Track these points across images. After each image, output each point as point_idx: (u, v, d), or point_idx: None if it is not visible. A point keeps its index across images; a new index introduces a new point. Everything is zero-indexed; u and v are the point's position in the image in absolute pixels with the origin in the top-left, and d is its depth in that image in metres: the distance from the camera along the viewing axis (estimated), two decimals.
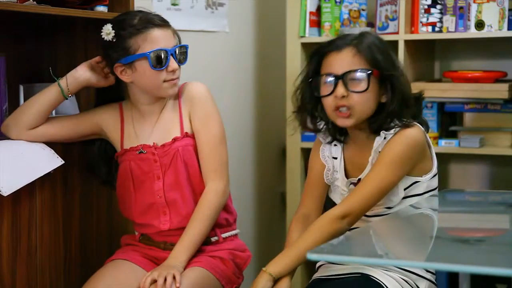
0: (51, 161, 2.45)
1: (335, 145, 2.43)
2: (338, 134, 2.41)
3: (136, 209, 2.51)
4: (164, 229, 2.49)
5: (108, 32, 2.42)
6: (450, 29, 3.25)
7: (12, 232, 2.39)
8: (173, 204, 2.48)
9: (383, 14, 3.38)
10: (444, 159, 3.54)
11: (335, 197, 2.44)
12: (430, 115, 3.32)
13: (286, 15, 3.49)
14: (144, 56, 2.39)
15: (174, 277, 2.32)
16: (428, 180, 2.35)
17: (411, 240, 2.05)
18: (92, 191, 2.64)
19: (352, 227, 2.33)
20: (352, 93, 2.26)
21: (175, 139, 2.48)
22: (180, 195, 2.47)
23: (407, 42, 3.28)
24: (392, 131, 2.31)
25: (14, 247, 2.39)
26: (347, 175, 2.41)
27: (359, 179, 2.36)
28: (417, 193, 2.34)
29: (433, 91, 3.30)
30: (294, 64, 3.46)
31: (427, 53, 3.53)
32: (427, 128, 2.41)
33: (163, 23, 2.44)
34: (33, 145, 2.44)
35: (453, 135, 3.38)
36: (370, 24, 3.49)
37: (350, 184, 2.39)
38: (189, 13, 3.37)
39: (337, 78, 2.27)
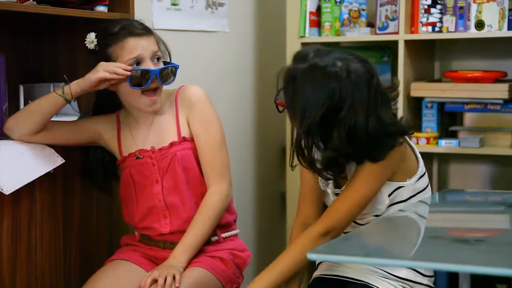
0: (52, 160, 2.45)
1: None
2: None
3: (138, 213, 2.52)
4: (165, 232, 2.49)
5: (91, 40, 2.43)
6: (450, 29, 3.24)
7: (12, 232, 2.39)
8: (173, 208, 2.48)
9: (383, 14, 3.38)
10: (444, 159, 3.54)
11: (329, 203, 2.40)
12: (430, 115, 3.32)
13: (286, 15, 3.49)
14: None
15: (174, 277, 2.32)
16: (413, 184, 2.30)
17: (410, 240, 2.05)
18: (92, 191, 2.64)
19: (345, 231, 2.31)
20: None
21: (172, 144, 2.47)
22: (179, 199, 2.47)
23: (407, 42, 3.28)
24: None
25: (14, 247, 2.39)
26: (337, 185, 2.38)
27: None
28: (402, 198, 2.30)
29: (433, 91, 3.30)
30: None
31: (427, 53, 3.53)
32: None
33: (143, 32, 2.42)
34: (33, 145, 2.44)
35: (453, 135, 3.38)
36: (370, 24, 3.48)
37: (336, 194, 2.35)
38: (189, 13, 3.36)
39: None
